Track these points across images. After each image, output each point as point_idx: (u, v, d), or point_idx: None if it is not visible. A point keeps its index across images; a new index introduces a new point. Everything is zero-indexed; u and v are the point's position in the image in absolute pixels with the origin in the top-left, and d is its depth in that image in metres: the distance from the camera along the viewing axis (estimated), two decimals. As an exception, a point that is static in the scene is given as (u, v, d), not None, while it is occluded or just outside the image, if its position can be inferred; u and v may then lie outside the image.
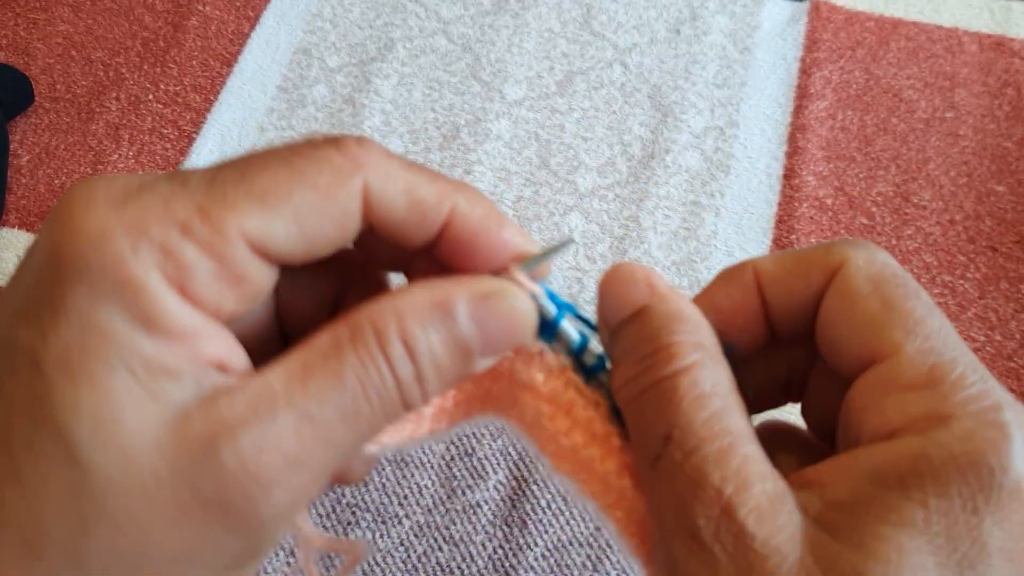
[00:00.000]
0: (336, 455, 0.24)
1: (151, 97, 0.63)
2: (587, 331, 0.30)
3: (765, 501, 0.23)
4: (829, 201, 0.59)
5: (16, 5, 0.67)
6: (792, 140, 0.62)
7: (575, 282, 0.56)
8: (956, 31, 0.67)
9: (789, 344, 0.30)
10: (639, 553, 0.29)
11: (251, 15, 0.67)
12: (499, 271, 0.29)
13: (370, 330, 0.25)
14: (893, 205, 0.59)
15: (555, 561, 0.47)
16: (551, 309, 0.29)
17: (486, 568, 0.47)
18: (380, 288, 0.33)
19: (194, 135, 0.61)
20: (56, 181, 0.59)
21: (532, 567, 0.47)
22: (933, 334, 0.26)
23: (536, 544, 0.47)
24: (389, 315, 0.25)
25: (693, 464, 0.24)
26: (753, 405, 0.31)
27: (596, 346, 0.30)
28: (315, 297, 0.31)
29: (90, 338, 0.22)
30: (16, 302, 0.24)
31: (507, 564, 0.47)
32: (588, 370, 0.30)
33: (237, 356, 0.26)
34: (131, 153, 0.60)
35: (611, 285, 0.29)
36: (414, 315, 0.25)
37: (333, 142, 0.26)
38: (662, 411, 0.25)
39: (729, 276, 0.30)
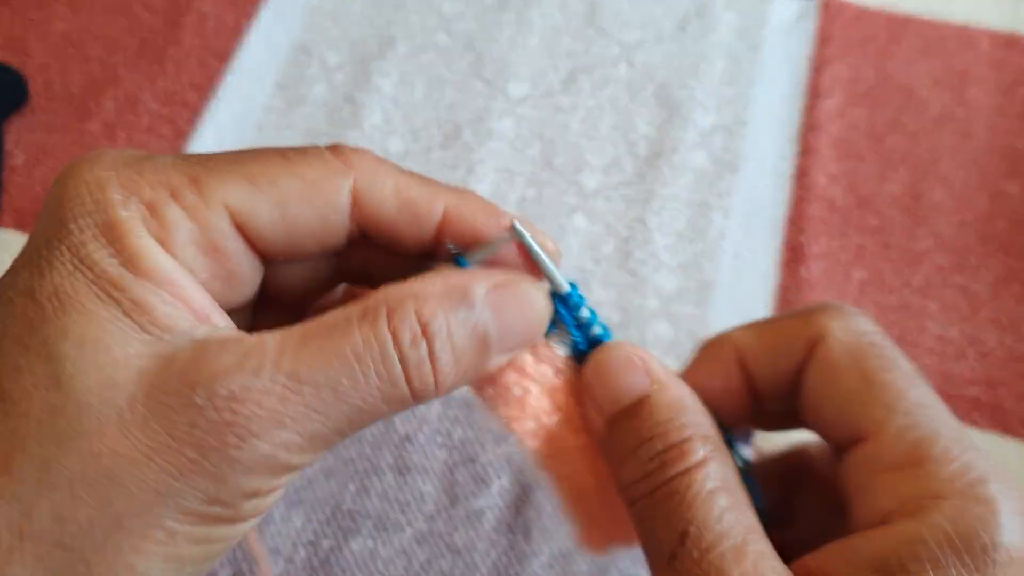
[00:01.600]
0: (324, 425, 0.24)
1: (148, 95, 0.62)
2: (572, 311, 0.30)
3: None
4: (839, 201, 0.58)
5: (12, 3, 0.66)
6: (802, 139, 0.61)
7: (580, 284, 0.55)
8: (967, 28, 0.66)
9: (772, 416, 0.31)
10: (585, 529, 0.30)
11: (249, 11, 0.66)
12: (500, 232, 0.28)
13: (383, 309, 0.25)
14: (904, 205, 0.58)
15: (560, 570, 0.46)
16: (563, 284, 0.29)
17: (489, 577, 0.46)
18: None
19: (191, 133, 0.60)
20: (52, 180, 0.58)
21: (537, 575, 0.46)
22: (914, 409, 0.26)
23: (540, 552, 0.46)
24: (406, 296, 0.25)
25: (711, 562, 0.24)
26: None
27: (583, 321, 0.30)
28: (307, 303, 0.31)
29: (82, 274, 0.24)
30: (24, 251, 0.26)
31: (511, 572, 0.46)
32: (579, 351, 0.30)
33: (219, 315, 0.26)
34: (127, 152, 0.59)
35: (606, 369, 0.28)
36: (432, 298, 0.25)
37: (331, 146, 0.28)
38: (677, 509, 0.26)
39: (709, 353, 0.30)
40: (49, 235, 0.25)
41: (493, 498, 0.48)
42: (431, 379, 0.25)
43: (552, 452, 0.29)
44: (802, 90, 0.63)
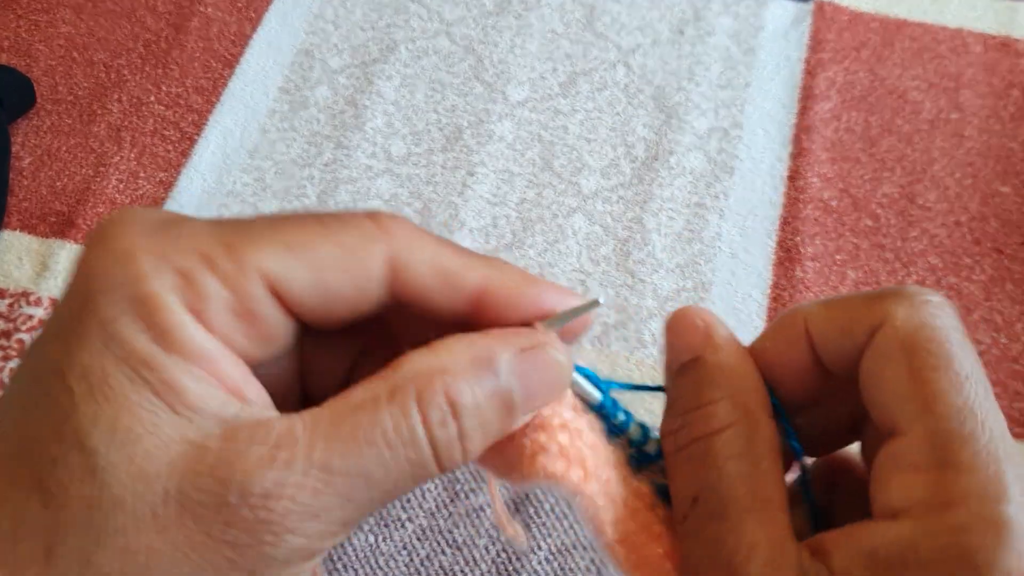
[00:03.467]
0: (355, 512, 0.24)
1: (153, 99, 0.63)
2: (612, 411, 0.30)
3: (782, 571, 0.24)
4: (834, 203, 0.59)
5: (18, 7, 0.67)
6: (796, 141, 0.61)
7: (578, 284, 0.55)
8: (961, 32, 0.66)
9: (848, 390, 0.29)
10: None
11: (253, 16, 0.67)
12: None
13: (412, 390, 0.24)
14: (898, 207, 0.59)
15: (558, 565, 0.46)
16: (595, 394, 0.29)
17: (489, 572, 0.46)
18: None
19: (196, 137, 0.61)
20: (58, 183, 0.59)
21: (535, 571, 0.46)
22: (950, 412, 0.25)
23: (539, 548, 0.47)
24: (434, 373, 0.25)
25: (713, 529, 0.25)
26: (822, 446, 0.32)
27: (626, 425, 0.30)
28: (339, 364, 0.31)
29: (112, 352, 0.23)
30: (52, 321, 0.25)
31: (510, 568, 0.46)
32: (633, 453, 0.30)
33: (254, 388, 0.26)
34: (132, 155, 0.60)
35: (674, 328, 0.29)
36: (459, 373, 0.25)
37: (368, 213, 0.27)
38: (694, 471, 0.26)
39: (781, 326, 0.29)
40: (78, 308, 0.24)
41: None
42: (459, 455, 0.25)
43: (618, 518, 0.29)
44: (797, 93, 0.64)
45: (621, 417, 0.30)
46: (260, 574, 0.23)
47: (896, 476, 0.25)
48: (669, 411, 0.28)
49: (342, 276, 0.26)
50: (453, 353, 0.25)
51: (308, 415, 0.24)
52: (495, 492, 0.34)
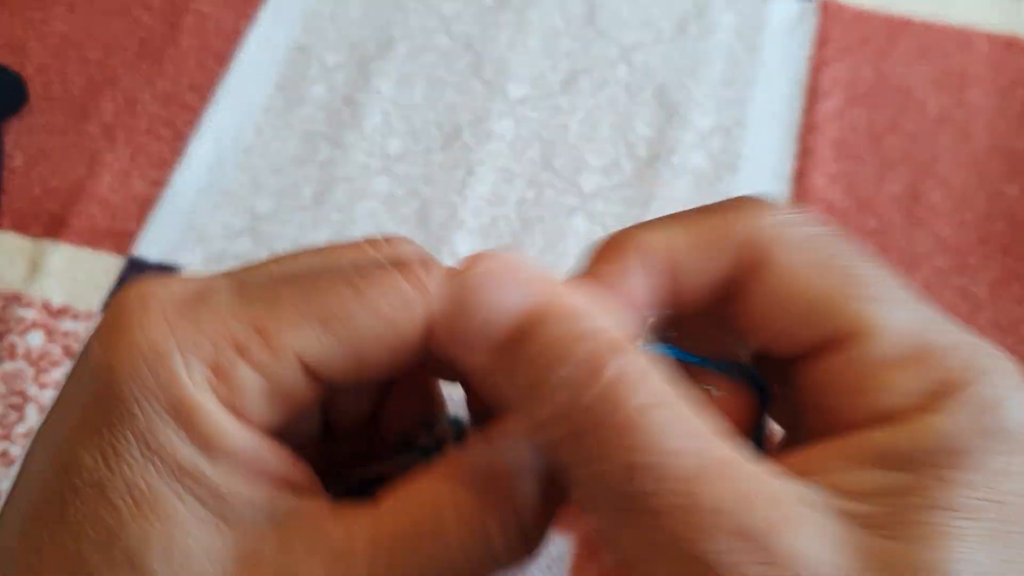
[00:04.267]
0: None
1: (147, 96, 0.62)
2: None
3: (783, 510, 0.20)
4: (838, 203, 0.58)
5: (11, 4, 0.66)
6: (801, 140, 0.61)
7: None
8: (966, 30, 0.66)
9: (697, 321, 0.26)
10: None
11: (247, 13, 0.66)
12: None
13: (480, 516, 0.23)
14: (903, 207, 0.58)
15: (558, 572, 0.46)
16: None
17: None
18: (430, 394, 0.32)
19: (190, 135, 0.60)
20: (51, 183, 0.58)
21: (536, 578, 0.46)
22: (904, 300, 0.23)
23: (540, 554, 0.46)
24: (505, 498, 0.24)
25: (677, 490, 0.19)
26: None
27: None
28: (364, 397, 0.31)
29: (154, 464, 0.22)
30: (73, 421, 0.23)
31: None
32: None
33: (299, 470, 0.25)
34: (126, 154, 0.59)
35: (470, 293, 0.23)
36: (528, 482, 0.24)
37: (399, 265, 0.25)
38: (611, 441, 0.20)
39: (619, 251, 0.25)
40: (110, 416, 0.22)
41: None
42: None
43: None
44: (801, 91, 0.63)
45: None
46: None
47: (875, 377, 0.22)
48: (532, 395, 0.22)
49: (381, 347, 0.25)
50: (519, 450, 0.24)
51: (366, 518, 0.23)
52: None
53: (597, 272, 0.25)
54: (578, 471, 0.22)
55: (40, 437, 0.25)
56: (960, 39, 0.65)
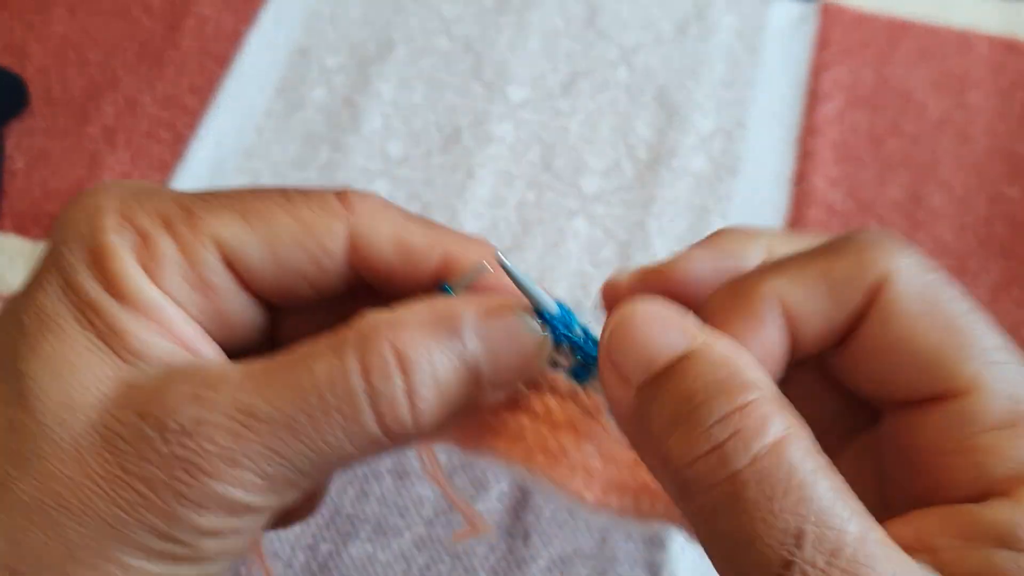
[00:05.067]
0: (283, 466, 0.23)
1: (147, 99, 0.62)
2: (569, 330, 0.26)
3: None
4: (839, 205, 0.58)
5: (12, 6, 0.66)
6: (801, 142, 0.61)
7: (579, 288, 0.55)
8: (966, 32, 0.66)
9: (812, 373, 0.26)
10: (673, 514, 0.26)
11: (248, 15, 0.66)
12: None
13: (353, 339, 0.24)
14: (904, 209, 0.58)
15: (559, 574, 0.46)
16: (550, 303, 0.25)
17: (488, 582, 0.46)
18: None
19: (190, 137, 0.60)
20: (51, 185, 0.58)
21: (536, 581, 0.46)
22: (1008, 361, 0.23)
23: (540, 556, 0.46)
24: (381, 325, 0.24)
25: (846, 569, 0.19)
26: None
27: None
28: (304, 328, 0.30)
29: (66, 294, 0.24)
30: (28, 276, 0.26)
31: (510, 578, 0.46)
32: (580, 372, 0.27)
33: (210, 348, 0.26)
34: (127, 156, 0.59)
35: (630, 330, 0.23)
36: (413, 326, 0.24)
37: (337, 191, 0.27)
38: (781, 501, 0.19)
39: (738, 302, 0.24)
40: (45, 256, 0.25)
41: (492, 502, 0.47)
42: (407, 416, 0.23)
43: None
44: (801, 94, 0.63)
45: (579, 333, 0.26)
46: (175, 515, 0.23)
47: (977, 440, 0.22)
48: (677, 429, 0.21)
49: (298, 250, 0.26)
50: (412, 310, 0.24)
51: (248, 363, 0.24)
52: (438, 473, 0.32)
53: (730, 322, 0.24)
54: (726, 522, 0.20)
55: None
56: (960, 42, 0.65)
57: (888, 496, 0.23)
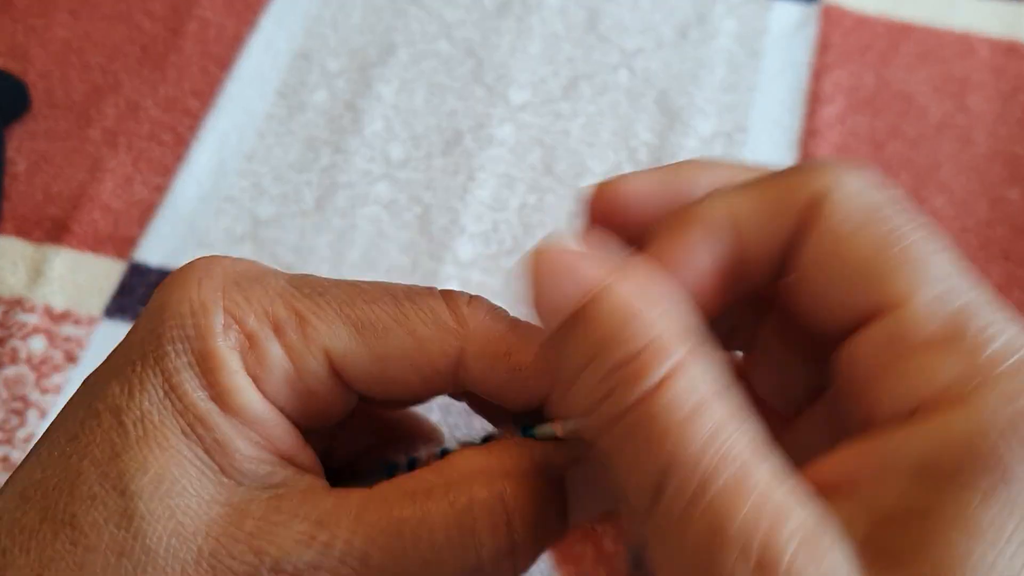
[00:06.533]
0: None
1: (149, 102, 0.62)
2: None
3: (807, 541, 0.18)
4: (839, 208, 0.58)
5: (14, 10, 0.66)
6: (802, 145, 0.61)
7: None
8: (967, 35, 0.66)
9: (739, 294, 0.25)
10: None
11: (250, 19, 0.66)
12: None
13: (466, 488, 0.24)
14: (905, 212, 0.58)
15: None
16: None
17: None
18: (390, 425, 0.33)
19: (192, 141, 0.60)
20: (53, 188, 0.58)
21: (537, 584, 0.46)
22: (945, 276, 0.21)
23: (539, 559, 0.46)
24: (495, 477, 0.24)
25: (705, 508, 0.18)
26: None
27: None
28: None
29: (171, 401, 0.23)
30: (118, 355, 0.25)
31: (511, 581, 0.46)
32: None
33: (308, 457, 0.25)
34: (128, 159, 0.59)
35: (535, 280, 0.22)
36: (518, 478, 0.24)
37: (446, 294, 0.26)
38: (648, 443, 0.19)
39: (684, 220, 0.23)
40: (146, 351, 0.24)
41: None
42: (510, 571, 0.25)
43: None
44: (802, 97, 0.63)
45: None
46: None
47: (903, 360, 0.20)
48: (574, 381, 0.21)
49: (408, 367, 0.25)
50: (513, 457, 0.25)
51: (357, 496, 0.24)
52: None
53: (660, 250, 0.23)
54: (611, 467, 0.21)
55: (87, 378, 0.26)
56: (961, 45, 0.65)
57: (841, 438, 0.22)
